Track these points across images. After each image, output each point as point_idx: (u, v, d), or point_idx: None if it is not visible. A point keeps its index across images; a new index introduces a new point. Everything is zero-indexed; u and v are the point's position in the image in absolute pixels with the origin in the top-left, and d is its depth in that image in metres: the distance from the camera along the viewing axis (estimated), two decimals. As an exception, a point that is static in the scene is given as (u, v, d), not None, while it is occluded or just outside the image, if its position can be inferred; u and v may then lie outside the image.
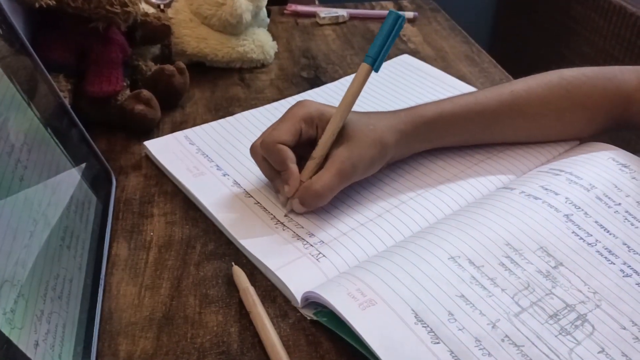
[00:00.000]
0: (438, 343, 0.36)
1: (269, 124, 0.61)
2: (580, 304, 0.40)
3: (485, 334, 0.37)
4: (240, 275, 0.43)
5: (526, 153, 0.57)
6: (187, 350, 0.39)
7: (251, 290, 0.42)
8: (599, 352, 0.37)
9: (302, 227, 0.48)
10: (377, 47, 0.48)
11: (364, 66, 0.48)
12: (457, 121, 0.55)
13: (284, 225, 0.48)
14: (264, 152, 0.50)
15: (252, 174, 0.54)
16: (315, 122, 0.50)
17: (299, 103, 0.51)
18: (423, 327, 0.37)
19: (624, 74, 0.58)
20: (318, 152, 0.49)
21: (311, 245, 0.46)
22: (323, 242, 0.46)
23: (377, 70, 0.48)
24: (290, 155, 0.49)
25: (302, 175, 0.49)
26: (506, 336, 0.37)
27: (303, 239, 0.47)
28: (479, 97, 0.56)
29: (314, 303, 0.41)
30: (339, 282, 0.40)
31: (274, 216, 0.49)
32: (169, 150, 0.57)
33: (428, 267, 0.41)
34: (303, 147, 0.50)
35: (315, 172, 0.49)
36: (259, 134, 0.59)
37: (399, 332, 0.36)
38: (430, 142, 0.56)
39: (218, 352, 0.39)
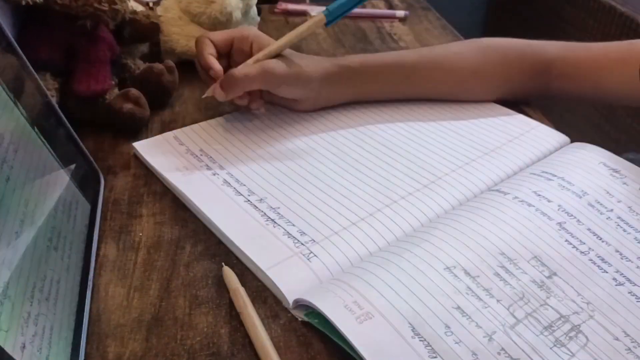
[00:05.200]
0: (435, 357, 0.36)
1: (260, 124, 0.61)
2: (574, 314, 0.40)
3: (481, 347, 0.37)
4: (230, 276, 0.43)
5: (516, 151, 0.57)
6: (177, 352, 0.39)
7: (242, 290, 0.42)
8: None
9: (294, 225, 0.48)
10: (340, 8, 0.54)
11: (320, 16, 0.56)
12: (379, 71, 0.62)
13: (275, 222, 0.48)
14: (196, 48, 0.58)
15: (241, 172, 0.54)
16: (251, 38, 0.58)
17: (242, 26, 0.61)
18: (420, 340, 0.37)
19: (544, 44, 0.64)
20: (253, 60, 0.56)
21: (302, 244, 0.46)
22: (314, 240, 0.46)
23: (327, 26, 0.56)
24: (210, 49, 0.57)
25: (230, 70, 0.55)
26: (502, 349, 0.37)
27: (294, 237, 0.46)
28: (401, 52, 0.65)
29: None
30: (335, 291, 0.40)
31: (265, 213, 0.49)
32: (158, 151, 0.57)
33: (424, 278, 0.41)
34: (235, 60, 0.58)
35: None
36: (250, 134, 0.60)
37: (396, 347, 0.36)
38: (353, 87, 0.63)
39: (208, 354, 0.39)
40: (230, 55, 0.59)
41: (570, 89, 0.64)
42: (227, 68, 0.57)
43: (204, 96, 0.57)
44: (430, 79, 0.64)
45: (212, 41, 0.58)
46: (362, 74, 0.62)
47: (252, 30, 0.59)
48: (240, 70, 0.55)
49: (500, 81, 0.65)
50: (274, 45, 0.57)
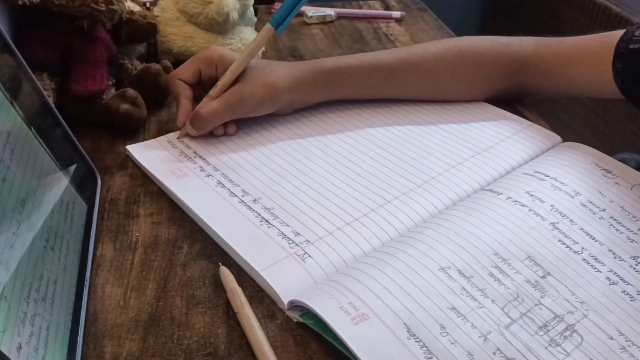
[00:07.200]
0: (431, 358, 0.36)
1: (254, 125, 0.61)
2: (568, 314, 0.40)
3: (477, 347, 0.37)
4: (227, 276, 0.43)
5: (509, 151, 0.58)
6: (174, 351, 0.39)
7: (239, 290, 0.42)
8: None
9: (288, 226, 0.48)
10: (283, 14, 0.54)
11: (269, 26, 0.55)
12: (355, 73, 0.61)
13: (269, 223, 0.48)
14: (169, 87, 0.60)
15: (235, 173, 0.54)
16: (215, 62, 0.58)
17: (205, 48, 0.61)
18: (416, 341, 0.37)
19: (521, 42, 0.64)
20: (215, 91, 0.57)
21: (297, 244, 0.46)
22: (309, 241, 0.46)
23: (278, 33, 0.55)
24: (184, 91, 0.58)
25: (197, 107, 0.57)
26: (497, 349, 0.37)
27: (288, 238, 0.46)
28: (378, 54, 0.63)
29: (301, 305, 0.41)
30: (330, 293, 0.40)
31: (259, 214, 0.49)
32: (151, 153, 0.57)
33: (419, 278, 0.41)
34: (207, 85, 0.58)
35: None
36: (244, 135, 0.60)
37: (392, 348, 0.36)
38: (330, 91, 0.62)
39: (205, 354, 0.39)
40: (201, 81, 0.60)
41: (547, 86, 0.64)
42: (201, 95, 0.58)
43: (178, 137, 0.59)
44: (408, 81, 0.64)
45: (182, 80, 0.58)
46: (337, 77, 0.61)
47: (215, 52, 0.58)
48: (205, 108, 0.56)
49: (478, 82, 0.65)
50: (229, 71, 0.56)
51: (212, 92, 0.57)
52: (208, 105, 0.56)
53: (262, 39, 0.56)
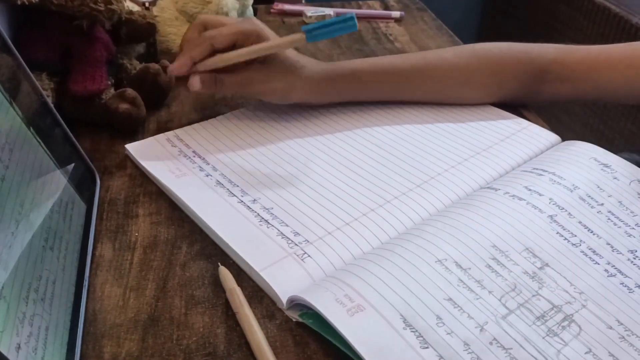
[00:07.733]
0: (427, 348, 0.36)
1: (253, 124, 0.61)
2: (566, 304, 0.40)
3: (473, 337, 0.37)
4: (226, 276, 0.43)
5: (508, 151, 0.58)
6: (173, 352, 0.39)
7: (238, 290, 0.42)
8: (586, 353, 0.37)
9: (287, 226, 0.48)
10: (321, 31, 0.53)
11: (301, 35, 0.54)
12: (369, 78, 0.63)
13: (269, 223, 0.48)
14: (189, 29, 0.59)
15: (234, 173, 0.54)
16: (252, 39, 0.57)
17: (249, 20, 0.60)
18: (412, 332, 0.37)
19: (542, 48, 0.64)
20: (231, 54, 0.56)
21: (296, 244, 0.46)
22: (308, 241, 0.46)
23: (308, 41, 0.54)
24: (192, 39, 0.57)
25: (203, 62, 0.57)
26: (494, 339, 0.37)
27: (288, 238, 0.46)
28: (393, 60, 0.64)
29: (300, 304, 0.41)
30: (327, 287, 0.40)
31: (258, 214, 0.49)
32: (150, 153, 0.57)
33: (415, 270, 0.41)
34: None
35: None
36: (243, 135, 0.60)
37: (387, 338, 0.36)
38: (340, 93, 0.63)
39: (204, 354, 0.39)
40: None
41: (567, 91, 0.64)
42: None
43: (169, 72, 0.60)
44: (421, 88, 0.64)
45: (215, 46, 0.56)
46: (351, 80, 0.62)
47: (255, 28, 0.57)
48: (228, 77, 0.57)
49: (493, 88, 0.65)
50: (247, 49, 0.56)
51: (229, 54, 0.56)
52: (231, 76, 0.58)
53: (290, 42, 0.56)
